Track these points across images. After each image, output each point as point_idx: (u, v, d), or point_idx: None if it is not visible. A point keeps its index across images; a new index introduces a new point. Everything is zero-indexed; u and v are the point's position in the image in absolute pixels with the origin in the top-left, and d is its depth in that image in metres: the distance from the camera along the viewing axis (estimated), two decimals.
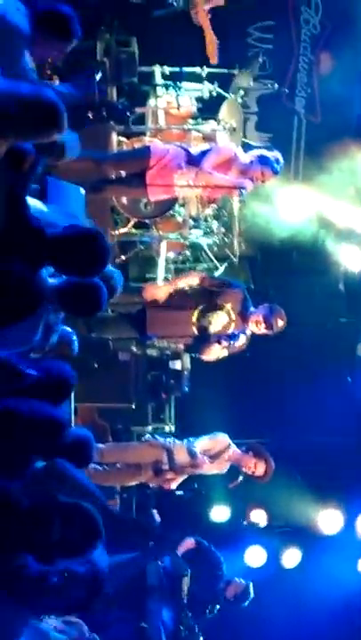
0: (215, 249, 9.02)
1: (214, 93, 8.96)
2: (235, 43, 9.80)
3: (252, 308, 7.51)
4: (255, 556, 9.85)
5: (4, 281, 3.74)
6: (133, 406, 8.16)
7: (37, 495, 3.79)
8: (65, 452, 4.19)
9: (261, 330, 7.47)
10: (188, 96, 8.83)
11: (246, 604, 8.50)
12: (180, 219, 8.37)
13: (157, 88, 8.81)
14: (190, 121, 8.71)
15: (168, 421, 8.91)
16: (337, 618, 9.74)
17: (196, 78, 8.91)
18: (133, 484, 7.96)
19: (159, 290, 7.59)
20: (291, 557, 9.90)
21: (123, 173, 7.35)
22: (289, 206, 9.30)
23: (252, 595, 8.47)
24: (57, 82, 6.60)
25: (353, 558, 10.02)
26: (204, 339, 7.47)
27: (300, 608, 9.67)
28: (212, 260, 8.96)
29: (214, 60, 8.61)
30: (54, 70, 6.52)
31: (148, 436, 8.01)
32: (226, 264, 9.02)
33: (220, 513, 9.68)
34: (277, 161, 7.28)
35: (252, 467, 7.73)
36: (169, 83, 8.87)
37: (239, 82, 9.37)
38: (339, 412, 9.83)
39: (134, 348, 8.13)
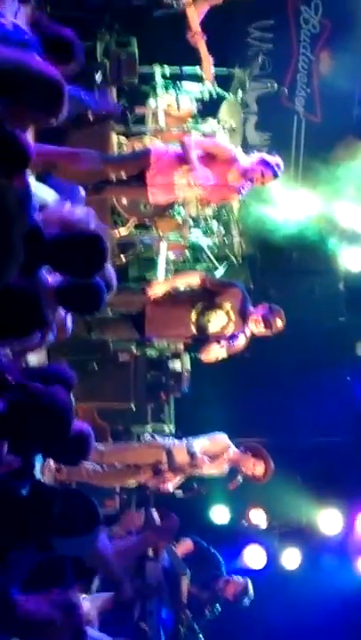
0: (215, 249, 9.02)
1: (214, 93, 8.96)
2: (234, 42, 9.82)
3: (251, 308, 7.51)
4: (255, 556, 9.87)
5: (18, 298, 3.70)
6: (133, 407, 8.15)
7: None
8: (66, 445, 4.19)
9: (260, 329, 7.46)
10: (187, 96, 8.84)
11: (246, 602, 8.50)
12: (179, 219, 8.35)
13: (157, 88, 8.81)
14: (190, 121, 8.71)
15: (168, 422, 8.90)
16: (336, 618, 9.75)
17: (196, 78, 8.91)
18: (133, 484, 7.96)
19: (159, 285, 7.60)
20: (290, 558, 9.91)
21: (123, 174, 7.33)
22: (289, 206, 9.30)
23: (251, 593, 8.48)
24: None
25: (352, 558, 10.03)
26: (202, 338, 7.46)
27: (300, 608, 9.67)
28: (211, 261, 8.95)
29: (210, 78, 8.67)
30: None
31: (147, 436, 8.00)
32: (226, 264, 9.02)
33: (219, 513, 9.70)
34: (278, 166, 7.27)
35: (251, 467, 7.72)
36: (169, 83, 8.88)
37: (239, 82, 9.38)
38: (338, 411, 9.85)
39: (134, 349, 8.13)
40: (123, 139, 8.36)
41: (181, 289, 7.70)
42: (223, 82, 9.13)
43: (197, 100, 8.88)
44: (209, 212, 8.61)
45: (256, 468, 7.73)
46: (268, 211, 9.14)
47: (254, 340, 7.66)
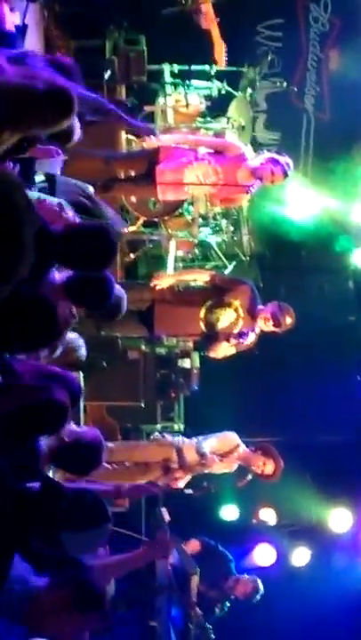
0: (224, 247, 9.01)
1: (223, 91, 8.97)
2: (244, 41, 9.82)
3: (260, 306, 7.49)
4: (264, 554, 9.85)
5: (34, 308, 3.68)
6: (142, 405, 8.15)
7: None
8: (75, 455, 4.19)
9: (269, 327, 7.44)
10: (196, 94, 8.84)
11: (256, 599, 8.49)
12: (188, 217, 8.35)
13: (166, 86, 8.82)
14: (199, 119, 8.71)
15: (177, 420, 8.90)
16: (345, 616, 9.73)
17: (205, 76, 8.92)
18: (142, 482, 7.95)
19: (166, 278, 7.58)
20: (300, 556, 9.89)
21: (132, 172, 7.33)
22: (298, 204, 9.29)
23: (261, 591, 8.46)
24: None
25: None
26: (211, 336, 7.45)
27: (310, 606, 9.64)
28: (221, 259, 8.95)
29: (222, 64, 8.65)
30: None
31: (157, 434, 7.99)
32: (235, 262, 9.01)
33: (229, 512, 9.69)
34: (288, 165, 7.25)
35: (261, 466, 7.70)
36: (178, 81, 8.88)
37: (248, 80, 9.38)
38: (348, 410, 9.82)
39: (143, 347, 8.13)
40: (132, 137, 8.37)
41: (190, 286, 7.69)
42: (233, 80, 9.13)
43: (206, 98, 8.88)
44: (218, 210, 8.61)
45: (266, 466, 7.71)
46: (277, 209, 9.14)
47: (264, 339, 7.65)
